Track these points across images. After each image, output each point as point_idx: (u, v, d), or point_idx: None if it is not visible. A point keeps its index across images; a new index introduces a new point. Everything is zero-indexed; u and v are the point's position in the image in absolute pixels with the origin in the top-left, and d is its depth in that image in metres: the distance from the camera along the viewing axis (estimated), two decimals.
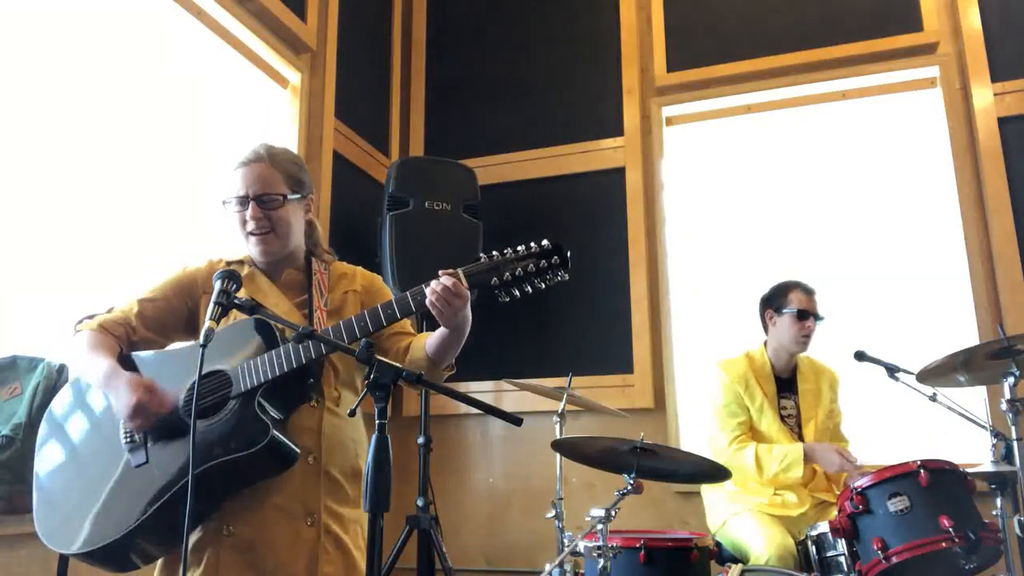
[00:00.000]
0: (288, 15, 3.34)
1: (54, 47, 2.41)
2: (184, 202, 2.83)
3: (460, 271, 1.69)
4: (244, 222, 1.84)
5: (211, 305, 1.59)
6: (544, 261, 1.68)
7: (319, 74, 3.53)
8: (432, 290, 1.66)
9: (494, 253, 1.70)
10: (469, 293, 1.68)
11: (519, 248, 1.70)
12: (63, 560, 2.01)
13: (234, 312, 1.78)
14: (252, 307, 1.61)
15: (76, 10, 2.50)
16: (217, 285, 1.62)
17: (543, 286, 1.70)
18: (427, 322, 1.80)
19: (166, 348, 1.90)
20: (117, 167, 2.58)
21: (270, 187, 1.84)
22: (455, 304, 1.66)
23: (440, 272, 1.68)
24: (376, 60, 4.13)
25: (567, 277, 1.70)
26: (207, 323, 1.56)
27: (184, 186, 2.84)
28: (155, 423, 1.69)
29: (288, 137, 3.39)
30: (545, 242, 1.70)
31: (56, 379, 2.09)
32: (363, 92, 3.95)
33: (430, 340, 1.81)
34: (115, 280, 2.49)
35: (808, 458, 2.72)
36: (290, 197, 1.87)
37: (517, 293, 1.69)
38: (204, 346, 1.53)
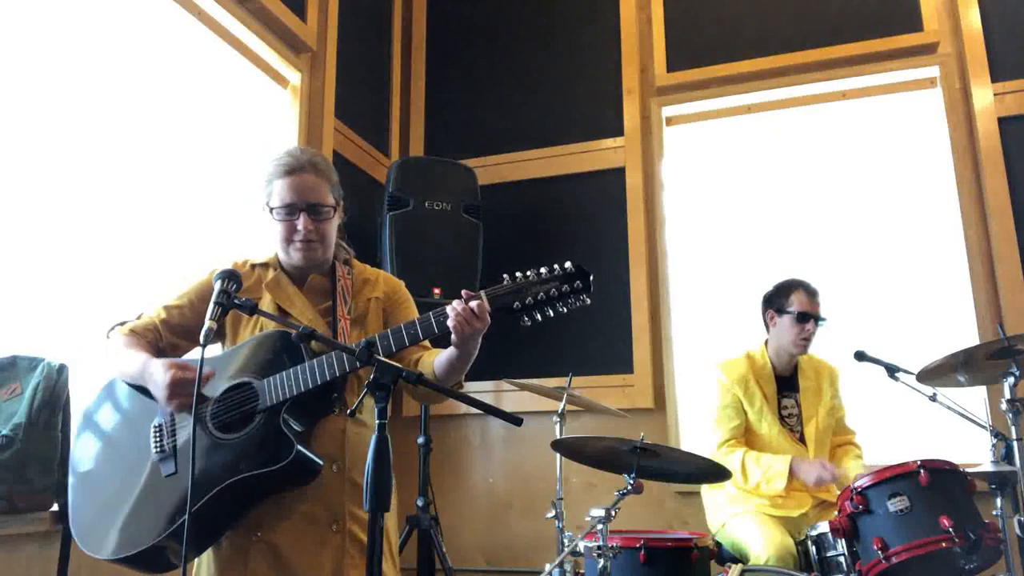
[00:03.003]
0: (288, 15, 3.34)
1: (54, 48, 2.41)
2: (184, 202, 2.83)
3: (483, 294, 1.67)
4: (292, 231, 1.85)
5: (211, 305, 1.60)
6: (567, 285, 1.66)
7: (319, 74, 3.53)
8: (455, 310, 1.65)
9: (517, 275, 1.68)
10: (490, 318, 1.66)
11: (542, 271, 1.67)
12: (63, 560, 2.02)
13: (261, 320, 1.82)
14: (252, 307, 1.62)
15: (76, 11, 2.50)
16: (217, 285, 1.62)
17: (565, 310, 1.67)
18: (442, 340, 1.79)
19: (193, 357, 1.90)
20: (116, 167, 2.58)
21: (321, 198, 1.86)
22: (476, 326, 1.65)
23: (463, 293, 1.67)
24: (376, 60, 4.13)
25: (589, 302, 1.67)
26: (207, 323, 1.57)
27: (184, 186, 2.84)
28: (190, 402, 1.69)
29: (288, 137, 3.39)
30: (568, 264, 1.68)
31: (56, 379, 2.08)
32: (363, 92, 3.95)
33: (439, 359, 1.80)
34: (115, 280, 2.49)
35: (793, 472, 2.70)
36: (335, 208, 1.91)
37: (539, 317, 1.67)
38: (204, 346, 1.54)
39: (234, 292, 1.63)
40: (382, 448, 1.40)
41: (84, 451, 1.84)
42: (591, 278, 1.67)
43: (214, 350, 1.93)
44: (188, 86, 2.93)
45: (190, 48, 2.96)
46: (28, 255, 2.26)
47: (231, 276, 1.65)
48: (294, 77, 3.47)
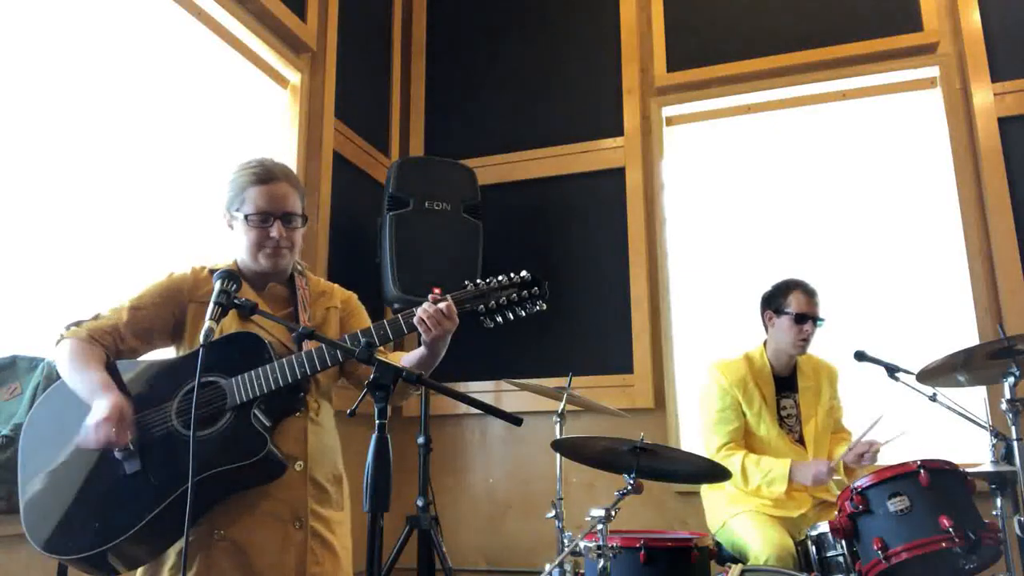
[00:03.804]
0: (288, 15, 3.34)
1: (54, 48, 2.41)
2: (184, 202, 2.83)
3: (449, 296, 1.79)
4: (265, 237, 1.88)
5: (211, 305, 1.61)
6: (525, 291, 1.80)
7: (319, 74, 3.53)
8: (425, 311, 1.76)
9: (478, 281, 1.82)
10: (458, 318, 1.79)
11: (500, 278, 1.82)
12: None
13: (223, 322, 1.81)
14: (252, 308, 1.62)
15: (75, 11, 2.50)
16: (217, 285, 1.63)
17: (523, 314, 1.82)
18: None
19: (156, 358, 1.90)
20: (117, 167, 2.58)
21: (294, 207, 1.92)
22: (445, 326, 1.77)
23: (430, 296, 1.78)
24: (376, 60, 4.13)
25: (545, 307, 1.83)
26: (207, 323, 1.57)
27: (184, 186, 2.84)
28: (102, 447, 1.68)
29: (288, 137, 3.40)
30: (524, 273, 1.83)
31: (56, 379, 2.08)
32: (363, 92, 3.95)
33: (406, 359, 1.90)
34: (115, 280, 2.49)
35: (793, 475, 2.71)
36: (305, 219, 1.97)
37: (500, 320, 1.81)
38: (205, 345, 1.55)
39: (234, 292, 1.64)
40: (382, 448, 1.40)
41: (35, 450, 1.79)
42: (546, 285, 1.82)
43: (169, 353, 1.94)
44: (188, 86, 2.93)
45: (190, 48, 2.96)
46: (28, 256, 2.26)
47: (231, 276, 1.65)
48: (294, 77, 3.47)
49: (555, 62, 4.18)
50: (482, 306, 1.79)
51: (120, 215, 2.57)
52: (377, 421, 1.42)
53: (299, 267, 2.04)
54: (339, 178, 3.58)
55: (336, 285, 2.11)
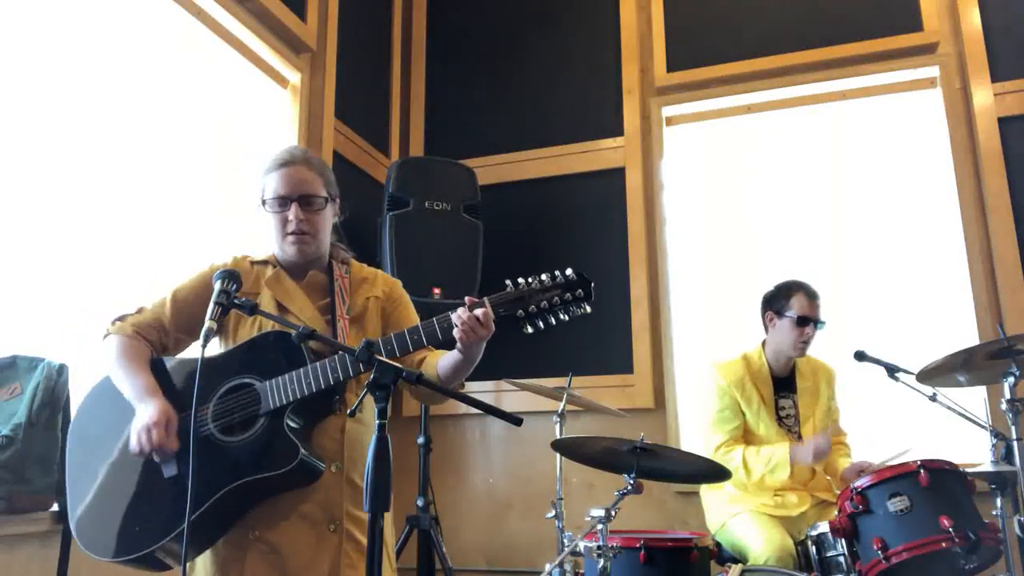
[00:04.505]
0: (288, 15, 3.34)
1: (54, 47, 2.41)
2: (184, 202, 2.83)
3: (487, 301, 1.67)
4: (285, 223, 1.86)
5: (211, 305, 1.60)
6: (569, 293, 1.67)
7: (319, 74, 3.53)
8: (461, 319, 1.65)
9: (520, 282, 1.68)
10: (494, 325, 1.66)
11: (544, 278, 1.68)
12: (63, 560, 2.02)
13: (261, 319, 1.82)
14: (251, 307, 1.62)
15: (75, 11, 2.50)
16: (217, 285, 1.63)
17: (566, 318, 1.68)
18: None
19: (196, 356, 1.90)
20: (117, 167, 2.58)
21: (312, 190, 1.88)
22: (480, 333, 1.66)
23: (467, 300, 1.67)
24: (376, 60, 4.13)
25: (589, 310, 1.69)
26: (207, 323, 1.57)
27: (184, 186, 2.84)
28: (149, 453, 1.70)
29: (288, 137, 3.39)
30: (569, 272, 1.69)
31: (56, 379, 2.09)
32: (363, 92, 3.95)
33: (443, 361, 1.81)
34: (115, 280, 2.49)
35: (793, 457, 2.71)
36: (328, 201, 1.92)
37: (541, 325, 1.68)
38: (204, 345, 1.55)
39: (234, 292, 1.63)
40: (382, 448, 1.40)
41: (80, 450, 1.81)
42: (592, 286, 1.68)
43: (213, 347, 1.92)
44: (188, 86, 2.93)
45: (190, 48, 2.96)
46: (28, 255, 2.26)
47: (231, 276, 1.65)
48: (294, 77, 3.47)
49: (555, 62, 4.18)
50: (521, 311, 1.66)
51: (119, 214, 2.57)
52: (377, 421, 1.41)
53: (343, 256, 2.00)
54: (339, 178, 3.53)
55: (380, 271, 2.05)
